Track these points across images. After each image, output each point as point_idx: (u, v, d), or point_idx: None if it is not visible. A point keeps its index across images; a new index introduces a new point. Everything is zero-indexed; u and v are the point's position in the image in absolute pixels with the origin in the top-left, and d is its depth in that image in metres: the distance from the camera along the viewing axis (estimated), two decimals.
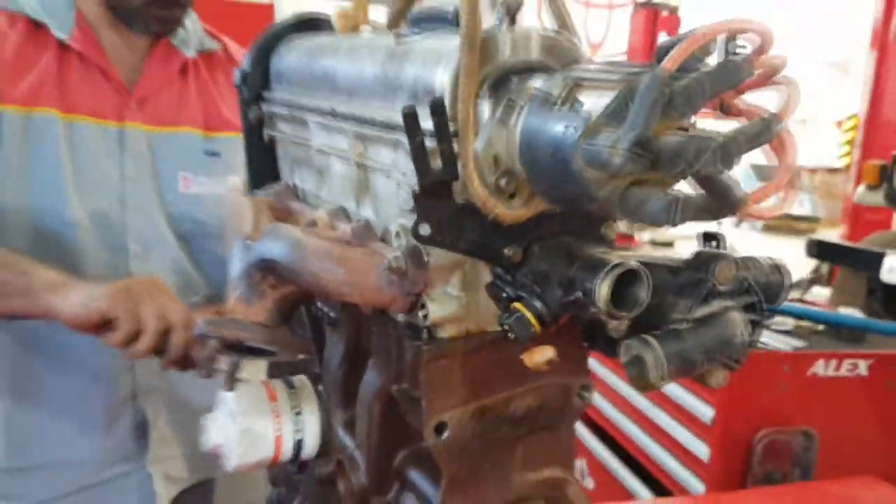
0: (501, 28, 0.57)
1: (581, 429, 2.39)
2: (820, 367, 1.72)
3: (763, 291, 0.60)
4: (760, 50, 0.46)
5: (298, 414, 0.78)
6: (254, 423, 0.76)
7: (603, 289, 0.51)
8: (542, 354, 0.64)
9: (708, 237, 0.61)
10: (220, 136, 1.32)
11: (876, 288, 4.33)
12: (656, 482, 1.95)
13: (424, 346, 0.61)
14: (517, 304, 0.55)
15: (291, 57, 0.89)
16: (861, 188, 6.65)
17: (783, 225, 10.07)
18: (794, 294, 5.56)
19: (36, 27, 1.21)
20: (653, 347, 0.53)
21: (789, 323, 1.88)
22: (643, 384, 0.53)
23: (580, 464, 2.32)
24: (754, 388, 1.71)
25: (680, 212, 0.45)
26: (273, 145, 0.95)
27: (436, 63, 0.58)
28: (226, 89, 1.35)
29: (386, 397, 0.69)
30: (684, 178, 0.45)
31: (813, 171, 11.45)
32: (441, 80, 0.57)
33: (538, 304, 0.55)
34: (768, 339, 1.77)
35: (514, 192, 0.55)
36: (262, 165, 0.97)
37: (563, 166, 0.47)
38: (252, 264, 0.71)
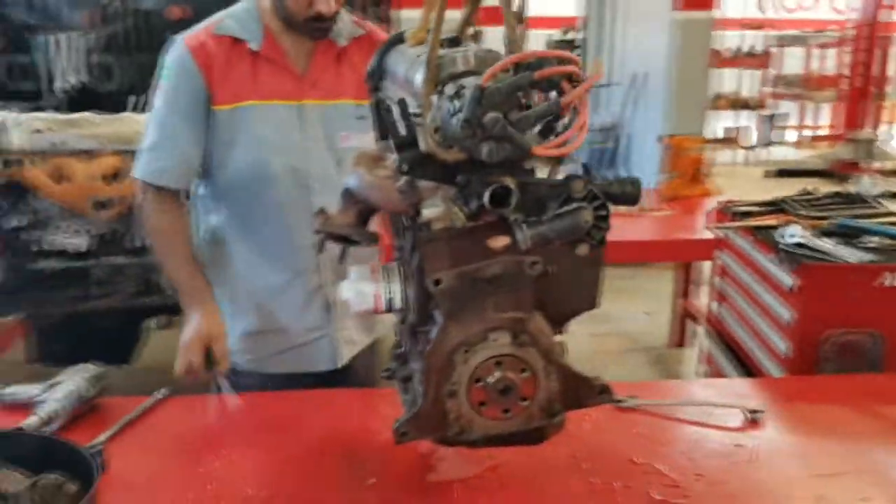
0: (451, 51, 1.01)
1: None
2: (887, 279, 1.92)
3: (621, 197, 1.01)
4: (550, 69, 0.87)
5: (389, 283, 1.27)
6: (363, 287, 1.25)
7: (486, 196, 0.94)
8: (500, 241, 1.08)
9: (585, 170, 1.02)
10: (367, 103, 1.83)
11: None
12: (750, 372, 2.25)
13: (421, 233, 1.06)
14: (456, 208, 1.00)
15: (389, 60, 1.35)
16: None
17: None
18: None
19: (235, 42, 1.77)
20: (522, 229, 0.96)
21: (875, 241, 2.07)
22: (518, 249, 0.97)
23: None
24: (827, 295, 1.96)
25: (502, 152, 0.88)
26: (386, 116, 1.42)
27: (419, 72, 1.03)
28: None
29: (422, 271, 1.16)
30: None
31: None
32: (419, 81, 1.02)
33: (466, 208, 0.99)
34: (846, 253, 1.99)
35: (451, 145, 0.99)
36: (382, 129, 1.44)
37: (449, 130, 0.91)
38: (344, 191, 1.21)
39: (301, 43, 1.80)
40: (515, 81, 0.88)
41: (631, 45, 6.47)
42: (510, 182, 0.96)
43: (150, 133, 1.77)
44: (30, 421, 1.41)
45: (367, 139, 1.82)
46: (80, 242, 2.42)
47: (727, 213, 2.54)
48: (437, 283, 1.08)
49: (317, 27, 1.75)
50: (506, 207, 0.96)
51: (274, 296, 1.87)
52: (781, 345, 2.04)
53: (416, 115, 1.01)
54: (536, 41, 10.73)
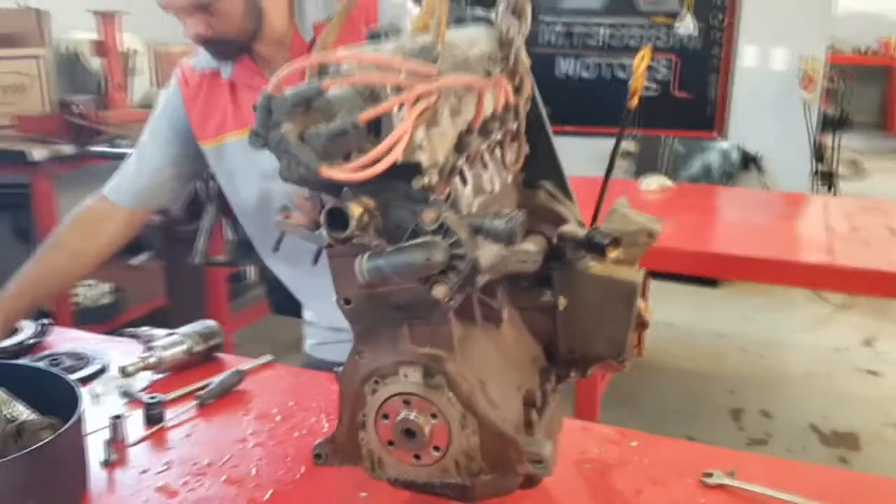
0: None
1: None
2: None
3: (490, 234, 0.83)
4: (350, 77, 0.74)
5: None
6: None
7: (322, 216, 0.84)
8: None
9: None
10: None
11: None
12: None
13: (329, 249, 0.98)
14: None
15: None
16: None
17: None
18: None
19: (214, 73, 1.68)
20: (361, 261, 0.84)
21: None
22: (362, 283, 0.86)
23: None
24: None
25: (296, 171, 0.77)
26: None
27: None
28: None
29: None
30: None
31: None
32: None
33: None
34: None
35: None
36: None
37: None
38: None
39: (276, 58, 1.60)
40: (302, 91, 0.76)
41: None
42: (356, 203, 0.84)
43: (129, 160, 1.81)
44: (133, 365, 1.59)
45: None
46: None
47: None
48: (346, 302, 0.99)
49: (215, 50, 1.59)
50: (343, 231, 0.84)
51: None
52: None
53: None
54: None
